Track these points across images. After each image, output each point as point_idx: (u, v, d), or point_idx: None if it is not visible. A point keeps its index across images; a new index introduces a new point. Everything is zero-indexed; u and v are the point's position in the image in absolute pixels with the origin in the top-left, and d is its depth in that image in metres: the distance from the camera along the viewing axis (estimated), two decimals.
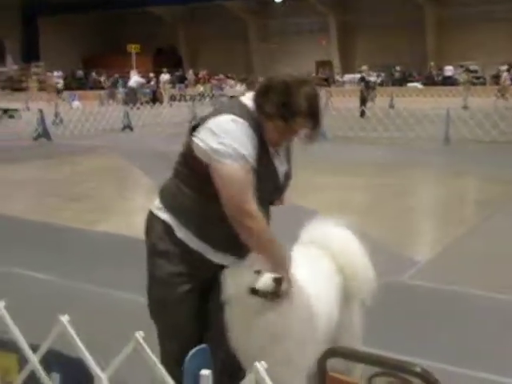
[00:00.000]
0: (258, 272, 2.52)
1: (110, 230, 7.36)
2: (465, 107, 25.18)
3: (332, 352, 1.90)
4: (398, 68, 43.20)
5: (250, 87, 35.87)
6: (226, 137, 2.51)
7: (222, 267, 2.67)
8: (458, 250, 6.48)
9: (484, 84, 36.91)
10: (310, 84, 2.60)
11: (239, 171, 2.48)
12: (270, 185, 2.70)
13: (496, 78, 35.07)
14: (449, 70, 40.82)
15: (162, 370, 2.12)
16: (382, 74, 40.78)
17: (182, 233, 2.66)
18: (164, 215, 2.70)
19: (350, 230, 3.00)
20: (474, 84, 32.55)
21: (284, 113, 2.53)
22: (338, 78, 44.83)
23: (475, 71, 37.77)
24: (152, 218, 2.76)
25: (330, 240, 2.88)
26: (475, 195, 10.18)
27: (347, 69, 44.89)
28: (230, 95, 30.36)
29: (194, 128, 2.66)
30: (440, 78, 41.58)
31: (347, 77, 42.53)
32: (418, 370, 1.70)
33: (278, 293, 2.47)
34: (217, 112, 2.65)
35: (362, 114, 20.51)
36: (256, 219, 2.49)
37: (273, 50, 47.80)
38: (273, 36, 49.02)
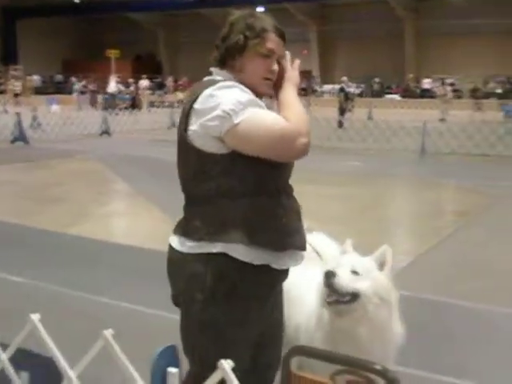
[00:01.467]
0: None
1: (83, 233, 7.35)
2: (442, 120, 25.49)
3: (296, 350, 1.94)
4: (376, 80, 43.56)
5: None
6: (225, 96, 2.24)
7: (284, 276, 2.44)
8: (430, 260, 6.59)
9: (461, 97, 37.35)
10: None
11: (261, 111, 2.24)
12: None
13: (473, 92, 35.54)
14: (427, 83, 41.25)
15: (130, 368, 2.14)
16: (362, 85, 41.09)
17: (242, 253, 2.26)
18: (215, 248, 2.27)
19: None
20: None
21: (254, 32, 2.35)
22: (317, 88, 45.08)
23: (453, 84, 38.19)
24: (195, 260, 2.30)
25: (324, 247, 2.91)
26: (449, 206, 10.33)
27: (327, 79, 45.14)
28: None
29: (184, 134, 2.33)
30: (418, 90, 42.02)
31: (326, 87, 42.81)
32: (379, 367, 1.75)
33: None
34: (193, 96, 2.33)
35: (340, 124, 20.66)
36: (290, 134, 2.21)
37: None
38: None
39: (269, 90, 2.42)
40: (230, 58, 2.39)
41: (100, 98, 32.64)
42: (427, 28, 43.32)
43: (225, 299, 2.28)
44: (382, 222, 8.48)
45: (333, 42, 47.69)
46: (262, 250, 2.27)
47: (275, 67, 2.40)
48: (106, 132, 19.71)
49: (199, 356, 2.37)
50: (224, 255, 2.26)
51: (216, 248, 2.26)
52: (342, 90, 24.49)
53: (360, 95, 37.04)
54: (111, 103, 28.86)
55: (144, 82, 36.53)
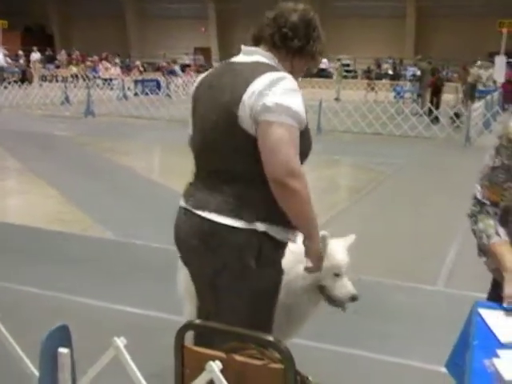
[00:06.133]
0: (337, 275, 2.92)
1: None
2: (337, 99, 26.12)
3: (188, 326, 1.95)
4: None
5: (126, 70, 35.16)
6: (281, 93, 2.30)
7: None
8: None
9: (356, 77, 38.40)
10: None
11: (289, 131, 2.33)
12: (311, 141, 2.62)
13: (367, 73, 36.62)
14: (323, 63, 42.06)
15: (18, 350, 2.07)
16: None
17: (278, 232, 2.46)
18: (260, 227, 2.39)
19: None
20: (345, 77, 33.81)
21: (317, 34, 2.46)
22: (215, 64, 44.92)
23: (347, 65, 39.19)
24: (248, 233, 2.38)
25: None
26: (344, 182, 10.66)
27: (226, 56, 44.49)
28: (104, 78, 29.65)
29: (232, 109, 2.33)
30: (315, 69, 42.74)
31: None
32: (271, 339, 1.78)
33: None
34: (252, 76, 2.33)
35: None
36: (302, 180, 2.34)
37: (151, 35, 47.07)
38: (151, 20, 48.17)
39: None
40: (287, 55, 2.46)
41: None
42: (327, 9, 44.12)
43: (271, 266, 2.48)
44: None
45: (232, 20, 47.58)
46: (287, 229, 2.47)
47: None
48: None
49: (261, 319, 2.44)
50: (265, 234, 2.39)
51: (261, 228, 2.38)
52: None
53: None
54: None
55: (35, 55, 34.99)
